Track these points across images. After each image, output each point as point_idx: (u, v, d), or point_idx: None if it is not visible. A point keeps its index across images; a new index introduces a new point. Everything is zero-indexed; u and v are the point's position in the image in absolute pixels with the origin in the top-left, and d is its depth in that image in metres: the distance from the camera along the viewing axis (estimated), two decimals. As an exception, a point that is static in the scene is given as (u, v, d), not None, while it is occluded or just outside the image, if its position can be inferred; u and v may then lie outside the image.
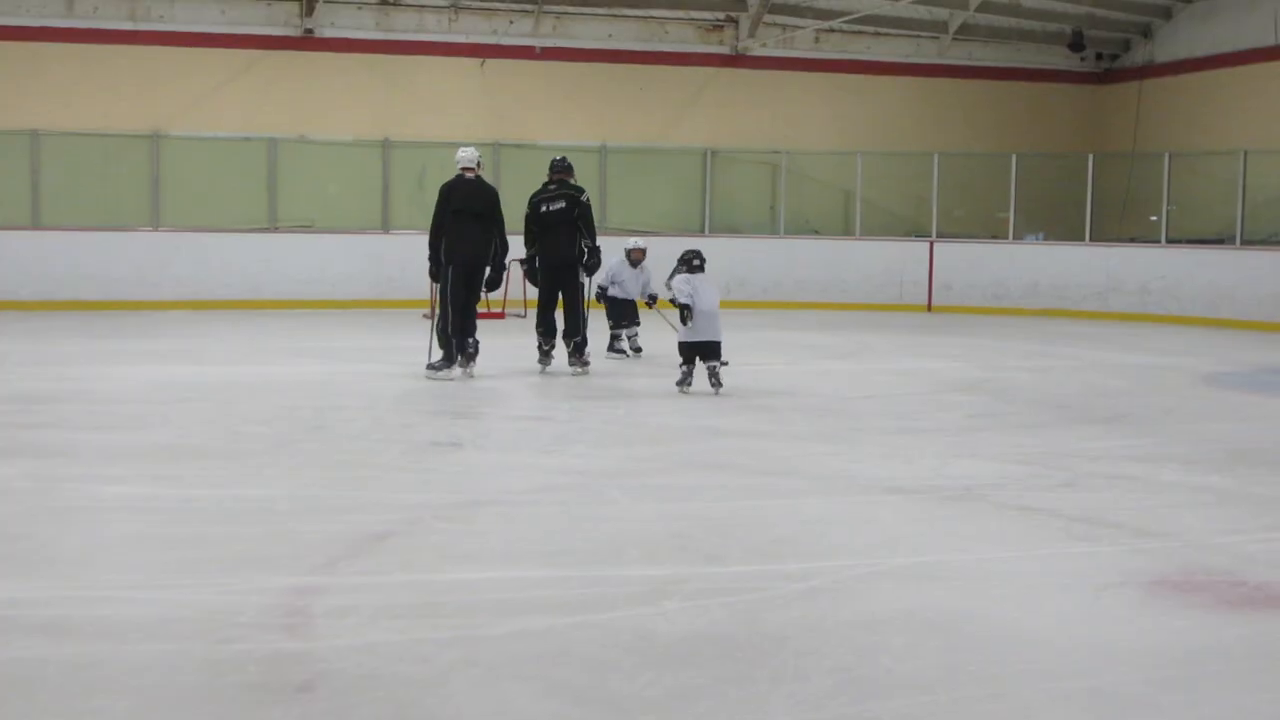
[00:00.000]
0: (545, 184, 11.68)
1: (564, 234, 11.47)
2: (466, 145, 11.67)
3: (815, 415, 9.29)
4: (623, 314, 12.87)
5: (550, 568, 5.19)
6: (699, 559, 5.35)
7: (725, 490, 6.75)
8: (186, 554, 5.31)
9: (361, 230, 18.69)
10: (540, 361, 11.51)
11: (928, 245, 19.39)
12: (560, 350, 11.51)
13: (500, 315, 16.52)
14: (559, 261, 11.50)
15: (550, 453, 7.75)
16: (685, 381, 10.13)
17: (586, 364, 11.43)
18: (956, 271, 19.18)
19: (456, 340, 10.81)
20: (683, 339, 10.16)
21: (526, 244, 11.63)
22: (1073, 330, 16.35)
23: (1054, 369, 12.44)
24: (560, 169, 11.70)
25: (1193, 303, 17.29)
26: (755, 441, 8.17)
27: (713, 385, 10.06)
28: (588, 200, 11.64)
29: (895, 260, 19.49)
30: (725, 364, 10.13)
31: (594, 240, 11.58)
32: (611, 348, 12.69)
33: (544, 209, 11.51)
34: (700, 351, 10.09)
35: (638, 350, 12.73)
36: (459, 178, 11.08)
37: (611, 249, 12.89)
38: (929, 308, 19.24)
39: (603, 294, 12.93)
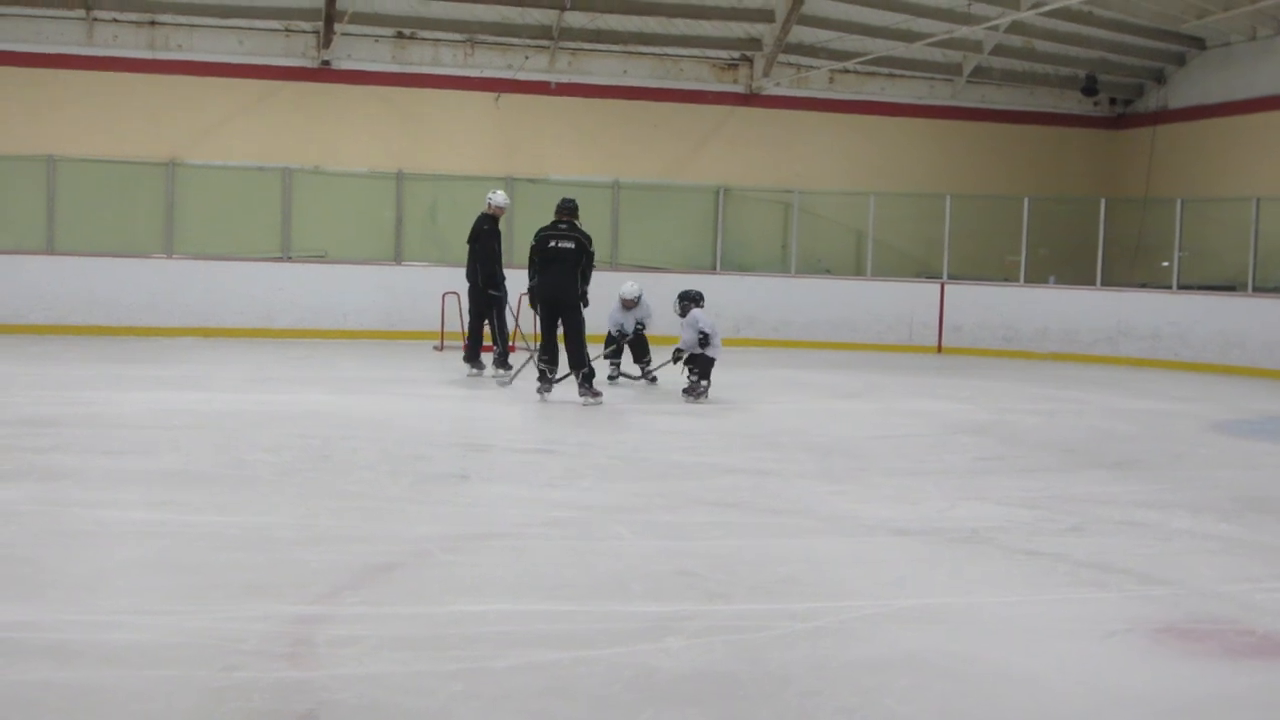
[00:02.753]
0: (555, 222, 12.02)
1: (568, 271, 11.76)
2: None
3: (823, 455, 9.28)
4: (635, 352, 13.61)
5: (554, 602, 5.18)
6: (703, 596, 5.35)
7: (731, 528, 6.74)
8: (191, 580, 5.32)
9: (374, 261, 18.75)
10: (541, 390, 11.72)
11: (939, 287, 19.40)
12: (566, 382, 11.72)
13: (510, 348, 16.51)
14: (561, 295, 11.77)
15: (557, 486, 7.75)
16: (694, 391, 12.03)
17: (598, 394, 11.59)
18: (967, 313, 19.18)
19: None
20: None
21: (530, 276, 12.01)
22: (1082, 374, 16.34)
23: (1063, 413, 12.41)
24: (568, 210, 12.06)
25: (1203, 349, 17.26)
26: (762, 480, 8.16)
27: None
28: (594, 251, 12.06)
29: (906, 301, 19.50)
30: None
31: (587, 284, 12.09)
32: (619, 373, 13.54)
33: (552, 244, 11.81)
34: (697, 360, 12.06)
35: (653, 379, 13.37)
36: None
37: (622, 283, 13.37)
38: (939, 349, 19.23)
39: (612, 341, 13.54)
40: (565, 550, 6.13)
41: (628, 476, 8.24)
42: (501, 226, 13.73)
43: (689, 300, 12.51)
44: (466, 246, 13.61)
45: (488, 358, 13.68)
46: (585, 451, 9.20)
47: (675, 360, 12.30)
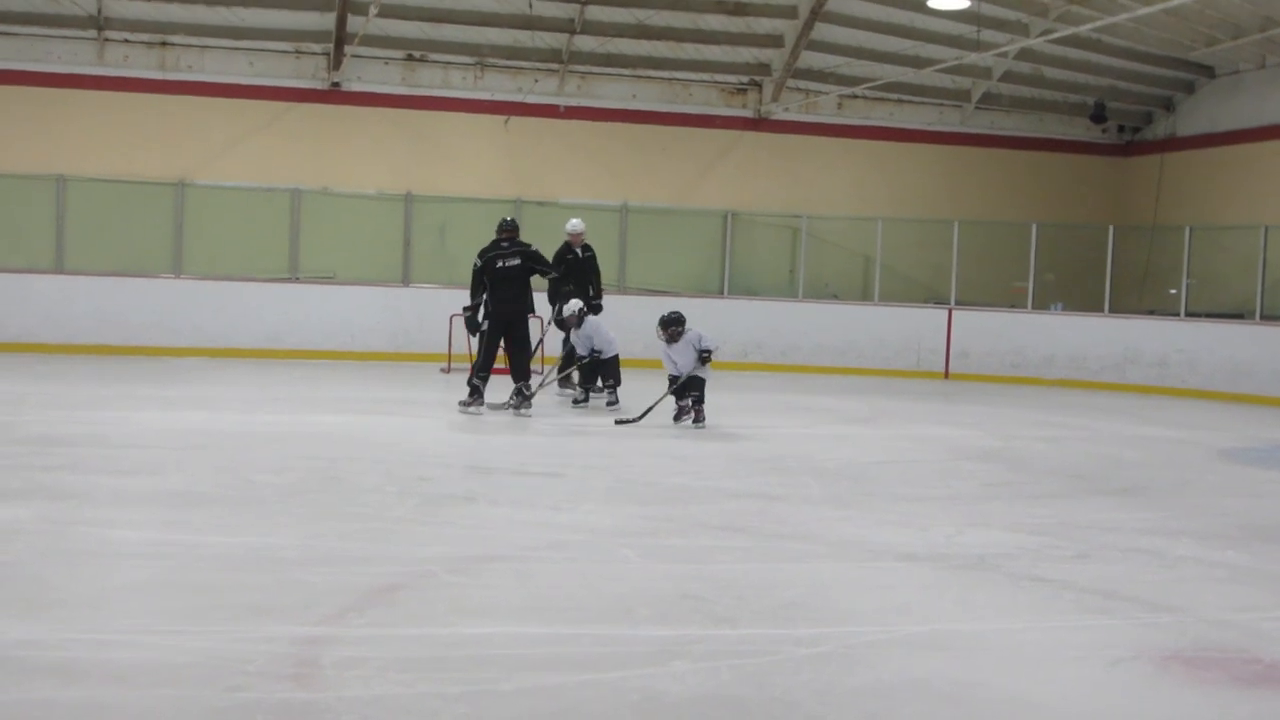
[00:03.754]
0: (497, 241, 12.54)
1: (521, 288, 12.48)
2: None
3: (829, 480, 9.27)
4: (600, 373, 13.52)
5: (560, 625, 5.18)
6: (709, 620, 5.34)
7: (737, 552, 6.73)
8: (197, 601, 5.32)
9: (382, 283, 18.78)
10: (472, 404, 12.14)
11: (946, 313, 19.40)
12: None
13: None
14: (518, 313, 12.47)
15: (563, 509, 7.75)
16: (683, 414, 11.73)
17: (528, 406, 12.22)
18: (974, 339, 19.17)
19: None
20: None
21: (473, 295, 12.44)
22: (1089, 401, 16.32)
23: (1070, 439, 12.40)
24: (510, 228, 12.62)
25: (1211, 377, 17.23)
26: (769, 504, 8.15)
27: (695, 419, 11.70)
28: (535, 248, 12.70)
29: (913, 327, 19.50)
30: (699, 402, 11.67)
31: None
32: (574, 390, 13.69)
33: (500, 264, 12.37)
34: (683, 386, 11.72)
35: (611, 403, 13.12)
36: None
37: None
38: (946, 375, 19.22)
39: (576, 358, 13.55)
40: (571, 573, 6.12)
41: (634, 500, 8.24)
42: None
43: (677, 324, 11.91)
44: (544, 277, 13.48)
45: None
46: (591, 475, 9.20)
47: (673, 389, 11.90)
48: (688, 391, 11.78)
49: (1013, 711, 4.40)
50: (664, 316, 12.02)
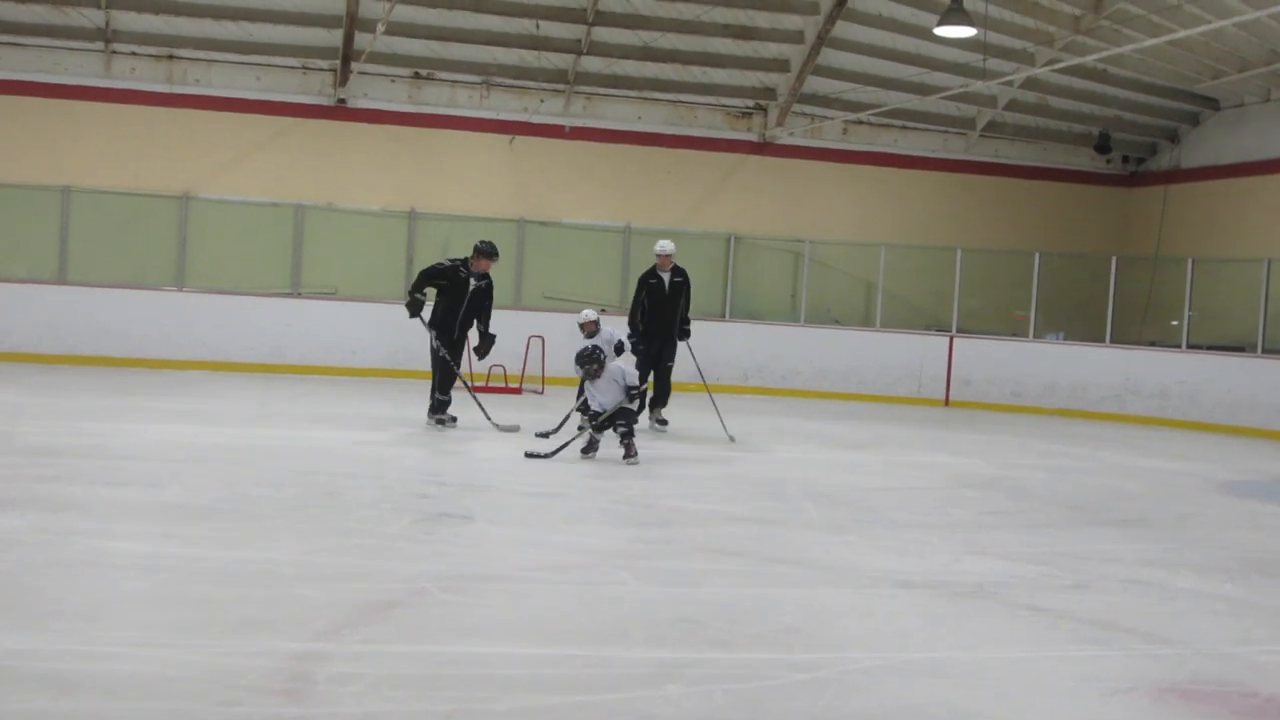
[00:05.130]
0: (466, 259, 12.76)
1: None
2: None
3: (828, 505, 9.25)
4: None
5: (555, 646, 5.16)
6: (704, 644, 5.32)
7: (734, 576, 6.71)
8: (191, 614, 5.30)
9: (384, 299, 18.78)
10: (441, 421, 12.62)
11: (948, 340, 19.40)
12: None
13: (517, 390, 16.56)
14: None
15: (561, 530, 7.73)
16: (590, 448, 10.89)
17: (442, 423, 12.51)
18: (976, 367, 19.18)
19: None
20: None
21: (413, 304, 12.66)
22: (1089, 432, 16.30)
23: (1069, 469, 12.38)
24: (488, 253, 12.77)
25: (1212, 409, 17.22)
26: (767, 529, 8.13)
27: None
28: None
29: (915, 353, 19.51)
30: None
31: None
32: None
33: (474, 285, 12.65)
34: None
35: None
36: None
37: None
38: (947, 402, 19.21)
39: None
40: (567, 594, 6.10)
41: (632, 522, 8.22)
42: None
43: (594, 362, 10.86)
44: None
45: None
46: (590, 496, 9.18)
47: (593, 425, 10.89)
48: (615, 423, 10.87)
49: (1008, 741, 4.38)
50: (581, 353, 10.96)
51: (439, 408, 12.58)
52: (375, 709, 4.26)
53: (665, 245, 13.81)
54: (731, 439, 12.53)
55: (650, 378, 13.29)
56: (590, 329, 12.34)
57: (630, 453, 10.75)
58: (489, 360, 13.84)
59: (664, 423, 13.38)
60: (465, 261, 12.60)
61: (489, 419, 12.51)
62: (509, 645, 5.13)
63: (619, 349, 12.08)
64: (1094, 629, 5.96)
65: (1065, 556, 7.70)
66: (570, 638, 5.30)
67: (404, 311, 12.47)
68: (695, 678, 4.82)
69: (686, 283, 13.94)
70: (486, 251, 12.63)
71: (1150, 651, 5.61)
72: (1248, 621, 6.38)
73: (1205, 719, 4.74)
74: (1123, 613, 6.32)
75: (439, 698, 4.42)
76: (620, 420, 10.84)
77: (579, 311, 12.92)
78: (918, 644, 5.55)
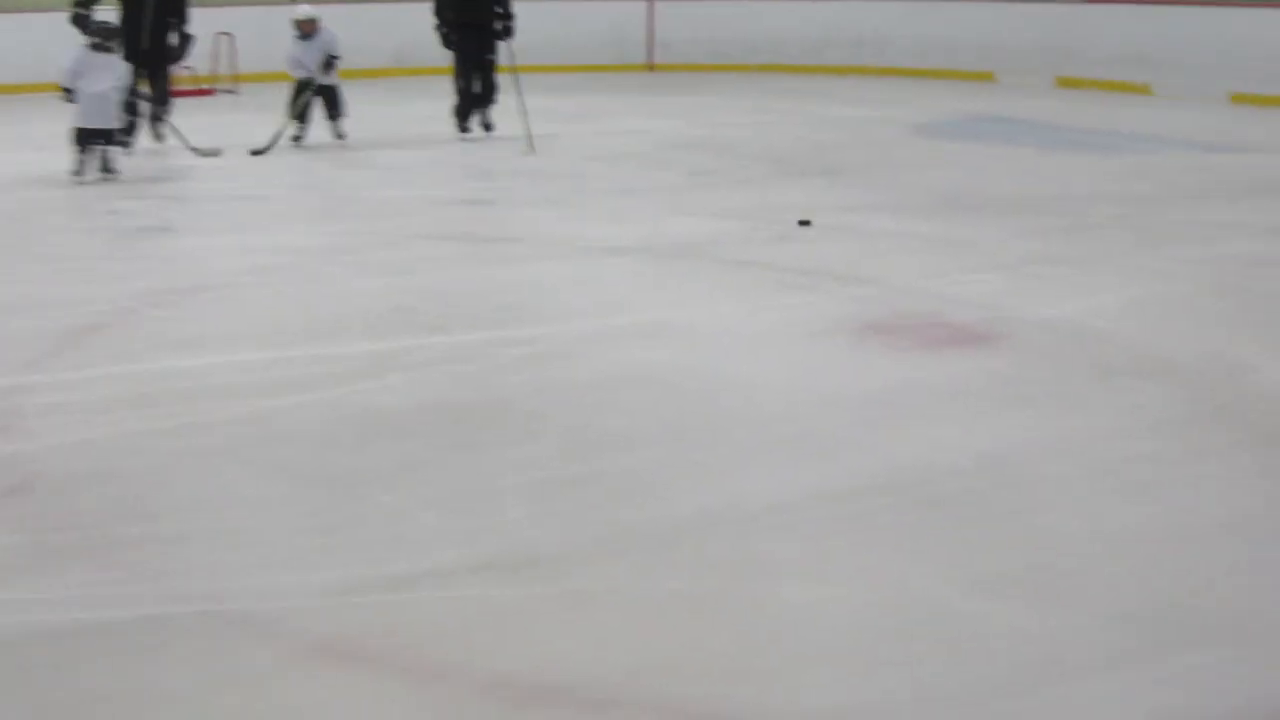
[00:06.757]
0: None
1: None
2: None
3: (538, 179, 9.24)
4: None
5: (271, 349, 5.07)
6: (423, 330, 5.32)
7: (447, 260, 6.70)
8: (-124, 359, 5.01)
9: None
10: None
11: (645, 4, 19.21)
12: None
13: (210, 92, 15.75)
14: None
15: (269, 231, 7.52)
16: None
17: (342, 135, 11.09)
18: (677, 29, 19.10)
19: None
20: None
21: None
22: (791, 85, 16.56)
23: (773, 124, 12.62)
24: None
25: (902, 54, 17.66)
26: (478, 210, 8.12)
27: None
28: None
29: (614, 19, 19.25)
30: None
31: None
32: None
33: None
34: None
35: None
36: None
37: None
38: (651, 68, 19.19)
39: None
40: (279, 296, 5.98)
41: (340, 217, 8.07)
42: None
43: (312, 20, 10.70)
44: None
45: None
46: (295, 194, 8.95)
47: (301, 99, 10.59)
48: (325, 106, 10.79)
49: (724, 392, 4.56)
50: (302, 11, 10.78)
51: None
52: (89, 436, 4.13)
53: None
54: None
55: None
56: (308, 29, 11.03)
57: (339, 133, 10.76)
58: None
59: (489, 127, 12.00)
60: None
61: (187, 144, 11.30)
62: (223, 355, 5.01)
63: (328, 65, 10.98)
64: (799, 276, 6.21)
65: (771, 209, 7.91)
66: (287, 339, 5.22)
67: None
68: (416, 363, 4.84)
69: None
70: None
71: (851, 293, 5.88)
72: (939, 256, 6.74)
73: (900, 351, 5.03)
74: (825, 259, 6.59)
75: (155, 415, 4.31)
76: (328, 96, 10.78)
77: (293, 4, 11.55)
78: (634, 308, 5.68)
